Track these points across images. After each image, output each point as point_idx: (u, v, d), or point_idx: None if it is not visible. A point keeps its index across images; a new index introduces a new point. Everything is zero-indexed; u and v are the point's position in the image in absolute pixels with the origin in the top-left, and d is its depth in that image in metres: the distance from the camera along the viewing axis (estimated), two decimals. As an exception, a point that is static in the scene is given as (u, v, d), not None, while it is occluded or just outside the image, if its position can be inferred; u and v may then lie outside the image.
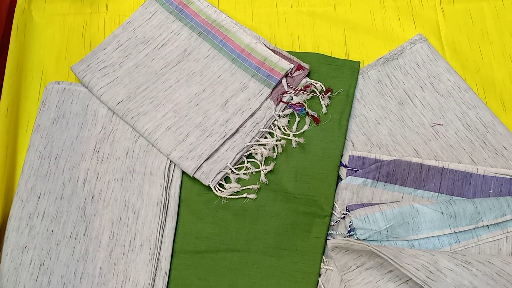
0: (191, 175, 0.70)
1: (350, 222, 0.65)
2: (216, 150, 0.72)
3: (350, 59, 0.79)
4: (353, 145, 0.72)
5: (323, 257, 0.66)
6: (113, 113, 0.76)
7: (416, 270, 0.56)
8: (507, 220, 0.62)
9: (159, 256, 0.68)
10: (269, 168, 0.71)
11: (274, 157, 0.72)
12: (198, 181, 0.71)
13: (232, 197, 0.70)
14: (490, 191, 0.66)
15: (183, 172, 0.72)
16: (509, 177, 0.66)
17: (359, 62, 0.77)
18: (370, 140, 0.72)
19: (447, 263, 0.57)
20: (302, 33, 0.82)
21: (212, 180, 0.70)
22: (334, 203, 0.68)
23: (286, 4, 0.85)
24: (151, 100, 0.75)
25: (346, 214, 0.66)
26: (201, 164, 0.71)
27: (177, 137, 0.73)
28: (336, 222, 0.67)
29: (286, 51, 0.79)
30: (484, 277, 0.56)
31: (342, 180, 0.70)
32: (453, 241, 0.63)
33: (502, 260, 0.57)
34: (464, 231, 0.63)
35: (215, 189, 0.70)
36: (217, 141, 0.72)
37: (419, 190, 0.68)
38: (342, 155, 0.72)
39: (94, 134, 0.75)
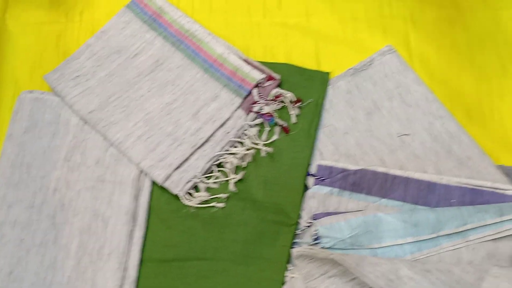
0: (161, 184, 0.71)
1: (315, 231, 0.66)
2: (186, 159, 0.73)
3: (321, 69, 0.80)
4: (321, 155, 0.73)
5: (289, 265, 0.67)
6: (85, 122, 0.76)
7: (376, 278, 0.57)
8: (468, 229, 0.63)
9: (127, 264, 0.68)
10: (238, 177, 0.72)
11: (244, 166, 0.73)
12: (167, 190, 0.71)
13: (201, 205, 0.71)
14: (453, 201, 0.67)
15: (153, 181, 0.72)
16: (472, 186, 0.67)
17: (329, 73, 0.78)
18: (338, 149, 0.73)
19: (407, 271, 0.58)
20: (274, 43, 0.84)
21: (181, 189, 0.71)
22: (301, 211, 0.69)
23: (259, 15, 0.86)
24: (123, 109, 0.76)
25: (312, 222, 0.67)
26: (171, 173, 0.71)
27: (147, 146, 0.73)
28: (302, 230, 0.68)
29: (258, 62, 0.80)
30: (443, 286, 0.57)
31: (309, 189, 0.70)
32: (415, 249, 0.64)
33: (462, 269, 0.58)
34: (426, 239, 0.64)
35: (183, 198, 0.70)
36: (187, 150, 0.73)
37: (384, 199, 0.69)
38: (310, 164, 0.72)
39: (65, 143, 0.75)
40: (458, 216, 0.63)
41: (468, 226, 0.63)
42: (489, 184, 0.67)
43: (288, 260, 0.68)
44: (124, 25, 0.84)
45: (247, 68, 0.78)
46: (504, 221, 0.63)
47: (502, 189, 0.67)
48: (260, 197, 0.71)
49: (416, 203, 0.68)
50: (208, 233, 0.70)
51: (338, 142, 0.74)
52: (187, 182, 0.71)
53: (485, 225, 0.63)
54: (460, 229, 0.63)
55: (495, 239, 0.63)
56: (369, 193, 0.70)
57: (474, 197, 0.67)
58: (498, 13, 0.84)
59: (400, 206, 0.69)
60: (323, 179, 0.71)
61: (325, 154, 0.73)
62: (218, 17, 0.87)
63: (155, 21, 0.84)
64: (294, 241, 0.69)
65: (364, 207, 0.69)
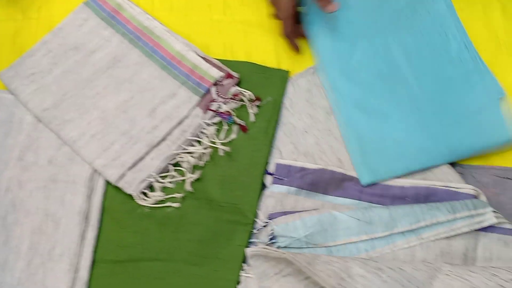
0: (114, 184, 0.69)
1: (271, 230, 0.65)
2: (141, 158, 0.71)
3: (281, 68, 0.79)
4: (280, 153, 0.72)
5: (244, 265, 0.66)
6: (39, 121, 0.74)
7: (327, 277, 0.56)
8: (421, 227, 0.62)
9: (79, 265, 0.66)
10: (195, 176, 0.71)
11: (201, 165, 0.72)
12: (122, 189, 0.70)
13: (156, 205, 0.69)
14: (408, 199, 0.66)
15: (108, 181, 0.71)
16: (425, 185, 0.67)
17: (289, 72, 0.77)
18: (297, 148, 0.72)
19: (359, 270, 0.57)
20: (235, 41, 0.83)
21: (135, 189, 0.69)
22: (258, 211, 0.68)
23: (220, 13, 0.85)
24: (78, 107, 0.74)
25: (268, 222, 0.66)
26: (125, 173, 0.70)
27: (101, 145, 0.72)
28: (259, 230, 0.67)
29: (218, 60, 0.78)
30: (394, 284, 0.56)
31: (267, 188, 0.69)
32: (369, 247, 0.63)
33: (413, 266, 0.58)
34: (380, 237, 0.63)
35: (137, 198, 0.69)
36: (142, 149, 0.71)
37: (340, 198, 0.68)
38: (268, 163, 0.71)
39: (18, 142, 0.73)
40: (411, 214, 0.63)
41: (421, 224, 0.63)
42: (442, 182, 0.67)
43: (244, 260, 0.66)
44: (81, 22, 0.83)
45: (205, 66, 0.77)
46: (456, 219, 0.63)
47: (455, 188, 0.66)
48: (217, 197, 0.70)
49: (371, 203, 0.68)
50: (163, 233, 0.68)
51: (297, 141, 0.73)
52: (142, 182, 0.70)
53: (438, 223, 0.63)
54: (413, 227, 0.63)
55: (448, 237, 0.63)
56: (325, 192, 0.69)
57: (428, 195, 0.67)
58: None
59: (356, 204, 0.68)
60: (281, 178, 0.70)
61: (284, 153, 0.73)
62: (178, 14, 0.86)
63: (113, 18, 0.82)
64: (250, 240, 0.67)
65: (320, 206, 0.68)
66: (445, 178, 0.68)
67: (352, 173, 0.69)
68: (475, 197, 0.66)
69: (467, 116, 0.72)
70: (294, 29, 0.78)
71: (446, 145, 0.69)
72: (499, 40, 0.79)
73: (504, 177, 0.69)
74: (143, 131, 0.73)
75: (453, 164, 0.71)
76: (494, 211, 0.64)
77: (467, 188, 0.66)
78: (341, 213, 0.64)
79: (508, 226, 0.63)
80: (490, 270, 0.57)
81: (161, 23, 0.82)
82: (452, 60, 0.76)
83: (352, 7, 0.80)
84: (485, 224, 0.63)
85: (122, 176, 0.70)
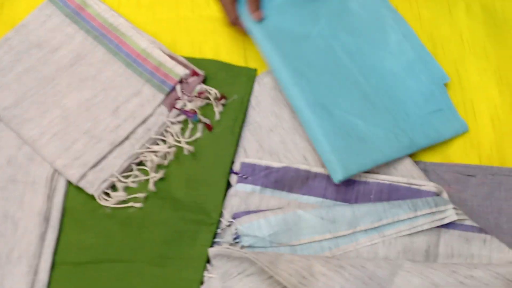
0: (75, 184, 0.68)
1: (235, 229, 0.64)
2: (104, 157, 0.70)
3: (248, 66, 0.79)
4: (245, 152, 0.71)
5: (207, 265, 0.65)
6: (-1, 120, 0.72)
7: (289, 276, 0.56)
8: (384, 225, 0.62)
9: (38, 267, 0.65)
10: (159, 175, 0.70)
11: (165, 164, 0.71)
12: (84, 190, 0.68)
13: (118, 206, 0.68)
14: (372, 196, 0.67)
15: (69, 181, 0.69)
16: (389, 182, 0.67)
17: (256, 70, 0.77)
18: (262, 147, 0.71)
19: (320, 268, 0.57)
20: (202, 39, 0.82)
21: (97, 189, 0.68)
22: (223, 210, 0.67)
23: (187, 9, 0.84)
24: (39, 105, 0.73)
25: (232, 221, 0.65)
26: (86, 172, 0.69)
27: (63, 144, 0.70)
28: (223, 229, 0.66)
29: (183, 57, 0.77)
30: (356, 281, 0.56)
31: (232, 187, 0.69)
32: (333, 245, 0.63)
33: (375, 264, 0.58)
34: (343, 235, 0.63)
35: (99, 198, 0.68)
36: (104, 148, 0.70)
37: (305, 196, 0.68)
38: (233, 162, 0.71)
39: (-23, 142, 0.71)
40: (373, 212, 0.63)
41: (383, 222, 0.63)
42: (405, 180, 0.67)
43: (208, 260, 0.66)
44: (45, 18, 0.81)
45: (171, 64, 0.76)
46: (418, 216, 0.63)
47: (417, 185, 0.67)
48: (181, 196, 0.69)
49: (336, 200, 0.68)
50: (125, 234, 0.67)
51: (262, 140, 0.72)
52: (104, 182, 0.69)
53: (400, 220, 0.63)
54: (375, 225, 0.63)
55: (410, 234, 0.63)
56: (290, 190, 0.69)
57: (391, 192, 0.67)
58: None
59: (320, 202, 0.68)
60: (246, 177, 0.69)
61: (249, 151, 0.72)
62: (145, 11, 0.85)
63: (77, 15, 0.81)
64: (215, 240, 0.66)
65: (285, 204, 0.68)
66: (409, 175, 0.68)
67: (316, 170, 0.69)
68: (437, 194, 0.67)
69: (417, 106, 0.73)
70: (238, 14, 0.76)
71: (405, 136, 0.69)
72: (463, 40, 0.80)
73: (466, 174, 0.70)
74: (106, 130, 0.71)
75: (416, 161, 0.71)
76: (455, 208, 0.64)
77: (429, 186, 0.66)
78: (305, 212, 0.64)
79: (468, 223, 0.64)
80: (451, 267, 0.57)
81: (127, 20, 0.80)
82: (393, 52, 0.76)
83: (288, 12, 0.79)
84: (446, 221, 0.63)
85: (83, 176, 0.68)
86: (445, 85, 0.76)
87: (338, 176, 0.66)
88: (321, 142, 0.68)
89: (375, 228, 0.63)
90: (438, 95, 0.74)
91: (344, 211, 0.64)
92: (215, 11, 0.84)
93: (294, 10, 0.80)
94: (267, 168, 0.70)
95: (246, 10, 0.77)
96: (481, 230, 0.63)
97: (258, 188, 0.68)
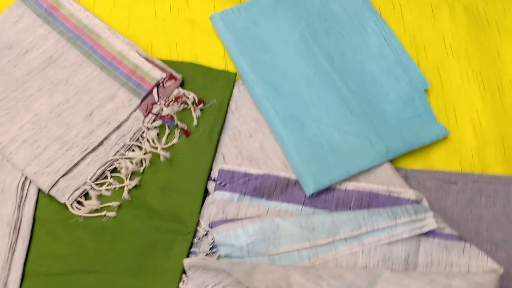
0: (46, 192, 0.65)
1: (212, 239, 0.62)
2: (76, 164, 0.68)
3: (228, 70, 0.77)
4: (223, 159, 0.69)
5: (183, 275, 0.63)
6: (-33, 125, 0.69)
7: (266, 287, 0.54)
8: (363, 233, 0.61)
9: (7, 279, 0.62)
10: (133, 183, 0.67)
11: (141, 171, 0.68)
12: (55, 198, 0.66)
13: (90, 215, 0.66)
14: (351, 204, 0.65)
15: (40, 189, 0.67)
16: (369, 190, 0.65)
17: (236, 74, 0.75)
18: (242, 153, 0.69)
19: (298, 278, 0.55)
20: (180, 41, 0.79)
21: (69, 198, 0.66)
22: (200, 219, 0.65)
23: (165, 10, 0.82)
24: (8, 110, 0.70)
25: (209, 230, 0.63)
26: (58, 180, 0.66)
27: (33, 150, 0.67)
28: (200, 239, 0.64)
29: (161, 60, 0.75)
30: (334, 292, 0.55)
31: (210, 194, 0.67)
32: (312, 254, 0.61)
33: (354, 274, 0.56)
34: (322, 244, 0.61)
35: (71, 207, 0.65)
36: (77, 155, 0.68)
37: (285, 204, 0.66)
38: (211, 168, 0.69)
39: None
40: (353, 219, 0.62)
41: (363, 230, 0.62)
42: (385, 187, 0.66)
43: (184, 271, 0.63)
44: (16, 18, 0.78)
45: (147, 67, 0.73)
46: (397, 224, 0.62)
47: (397, 192, 0.65)
48: (156, 205, 0.67)
49: (315, 207, 0.66)
50: (98, 244, 0.65)
51: (241, 146, 0.71)
52: (76, 190, 0.66)
53: (380, 228, 0.62)
54: (355, 233, 0.62)
55: (390, 242, 0.62)
56: (269, 198, 0.67)
57: (371, 200, 0.66)
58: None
59: (300, 210, 0.66)
60: (224, 184, 0.67)
61: (228, 157, 0.70)
62: (121, 11, 0.82)
63: (50, 15, 0.78)
64: (191, 250, 0.64)
65: (264, 212, 0.66)
66: (389, 182, 0.67)
67: (296, 177, 0.67)
68: (417, 202, 0.65)
69: (396, 112, 0.71)
70: None
71: (381, 143, 0.68)
72: (446, 43, 0.79)
73: (447, 181, 0.69)
74: (78, 136, 0.69)
75: (397, 168, 0.70)
76: (435, 216, 0.63)
77: (409, 193, 0.65)
78: (283, 220, 0.62)
79: (448, 231, 0.63)
80: (429, 276, 0.56)
81: (102, 21, 0.78)
82: (374, 56, 0.75)
83: (266, 17, 0.78)
84: (426, 229, 0.62)
85: (55, 183, 0.66)
86: (428, 89, 0.75)
87: (309, 189, 0.65)
88: (293, 155, 0.67)
89: (355, 236, 0.62)
90: (418, 101, 0.73)
91: (324, 219, 0.62)
92: (194, 12, 0.82)
93: (274, 14, 0.78)
94: (246, 175, 0.68)
95: (220, 23, 0.75)
96: (460, 238, 0.62)
97: (236, 195, 0.67)
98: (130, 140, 0.70)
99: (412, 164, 0.71)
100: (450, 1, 0.81)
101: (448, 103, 0.75)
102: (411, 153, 0.71)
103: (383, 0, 0.82)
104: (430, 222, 0.63)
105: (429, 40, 0.79)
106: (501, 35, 0.79)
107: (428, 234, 0.63)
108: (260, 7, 0.79)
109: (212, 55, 0.79)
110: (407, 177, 0.69)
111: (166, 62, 0.76)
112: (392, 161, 0.70)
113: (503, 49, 0.78)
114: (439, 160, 0.71)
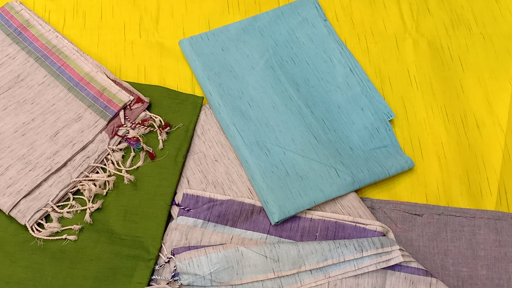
0: (7, 213, 0.64)
1: (174, 266, 0.62)
2: (38, 185, 0.66)
3: (195, 93, 0.77)
4: (188, 183, 0.69)
5: (143, 304, 0.62)
6: None
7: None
8: (329, 265, 0.61)
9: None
10: (96, 206, 0.66)
11: (104, 194, 0.68)
12: (16, 219, 0.64)
13: (51, 238, 0.64)
14: (317, 234, 0.65)
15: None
16: (335, 220, 0.66)
17: (202, 98, 0.75)
18: (207, 177, 0.69)
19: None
20: (148, 64, 0.80)
21: (30, 219, 0.64)
22: (162, 245, 0.65)
23: (135, 33, 0.82)
24: (-29, 129, 0.69)
25: (172, 257, 0.62)
26: (19, 201, 0.65)
27: (-5, 170, 0.66)
28: (161, 266, 0.63)
29: (129, 82, 0.75)
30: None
31: (173, 219, 0.66)
32: (276, 286, 0.61)
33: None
34: (287, 275, 0.61)
35: (32, 229, 0.64)
36: (40, 175, 0.67)
37: (249, 231, 0.66)
38: (176, 193, 0.68)
39: None
40: (319, 251, 0.62)
41: (329, 262, 0.61)
42: (351, 218, 0.66)
43: (144, 298, 0.62)
44: (-16, 37, 0.77)
45: (115, 89, 0.73)
46: (364, 257, 0.62)
47: (363, 224, 0.66)
48: (118, 229, 0.66)
49: (280, 236, 0.66)
50: (57, 268, 0.63)
51: (207, 170, 0.70)
52: (37, 211, 0.65)
53: (346, 260, 0.62)
54: (321, 265, 0.61)
55: (356, 275, 0.62)
56: (234, 225, 0.67)
57: (337, 230, 0.66)
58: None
59: (264, 238, 0.66)
60: (188, 209, 0.67)
61: (192, 182, 0.70)
62: (91, 33, 0.82)
63: (20, 35, 0.78)
64: (152, 277, 0.63)
65: (228, 240, 0.65)
66: (355, 213, 0.67)
67: (261, 204, 0.67)
68: (383, 234, 0.66)
69: (362, 142, 0.72)
70: None
71: (347, 173, 0.68)
72: (410, 76, 0.81)
73: (412, 213, 0.69)
74: (42, 156, 0.68)
75: (364, 198, 0.70)
76: (401, 249, 0.63)
77: (375, 225, 0.65)
78: (248, 249, 0.62)
79: (414, 265, 0.63)
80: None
81: (71, 42, 0.78)
82: (339, 85, 0.76)
83: (234, 44, 0.79)
84: (392, 262, 0.62)
85: (16, 204, 0.65)
86: (393, 120, 0.76)
87: (274, 217, 0.65)
88: (258, 182, 0.67)
89: (320, 268, 0.61)
90: (383, 131, 0.74)
91: (289, 249, 0.62)
92: (163, 37, 0.82)
93: (242, 42, 0.79)
94: (211, 200, 0.68)
95: (188, 48, 0.77)
96: (427, 273, 0.63)
97: (200, 221, 0.66)
98: (94, 162, 0.69)
99: (378, 195, 0.71)
100: (414, 36, 0.84)
101: (413, 134, 0.76)
102: (377, 183, 0.72)
103: (349, 32, 0.83)
104: (396, 255, 0.63)
105: (394, 72, 0.81)
106: (465, 70, 0.81)
107: (394, 267, 0.63)
108: (229, 34, 0.80)
109: (180, 79, 0.79)
110: (373, 208, 0.69)
111: (134, 84, 0.76)
112: (358, 191, 0.71)
113: (467, 84, 0.80)
114: (405, 192, 0.72)
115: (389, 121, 0.74)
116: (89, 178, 0.68)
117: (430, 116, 0.77)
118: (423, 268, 0.63)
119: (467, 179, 0.72)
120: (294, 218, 0.67)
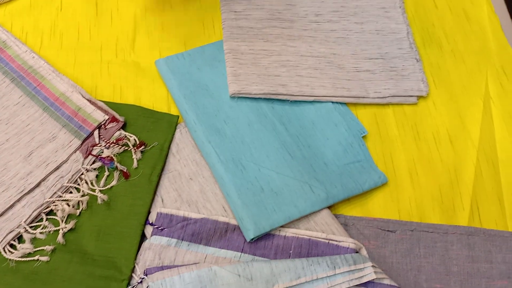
0: (-22, 235, 0.64)
1: (147, 287, 0.61)
2: (11, 206, 0.66)
3: (171, 113, 0.77)
4: (162, 202, 0.69)
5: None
6: None
7: None
8: (302, 283, 0.61)
9: None
10: (69, 226, 0.66)
11: (78, 214, 0.67)
12: (-14, 241, 0.64)
13: (23, 259, 0.64)
14: (291, 251, 0.65)
15: (-30, 231, 0.65)
16: (308, 237, 0.66)
17: (178, 116, 0.76)
18: (181, 196, 0.69)
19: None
20: (124, 84, 0.80)
21: (2, 241, 0.64)
22: (135, 265, 0.64)
23: (111, 54, 0.83)
24: None
25: (144, 277, 0.62)
26: (-9, 222, 0.64)
27: (-34, 191, 0.66)
28: (134, 286, 0.63)
29: (104, 102, 0.75)
30: None
31: (147, 239, 0.66)
32: (249, 304, 0.61)
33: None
34: (260, 295, 0.61)
35: (4, 250, 0.64)
36: (13, 196, 0.66)
37: (223, 250, 0.66)
38: (150, 212, 0.68)
39: None
40: (292, 268, 0.62)
41: (302, 280, 0.62)
42: (324, 235, 0.66)
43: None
44: (-41, 58, 0.77)
45: (90, 109, 0.74)
46: (336, 274, 0.62)
47: (337, 241, 0.66)
48: (91, 249, 0.66)
49: (254, 254, 0.66)
50: (28, 290, 0.63)
51: (181, 188, 0.71)
52: (9, 233, 0.65)
53: (319, 278, 0.62)
54: (294, 283, 0.61)
55: (329, 292, 0.62)
56: (207, 243, 0.67)
57: (310, 248, 0.66)
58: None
59: (238, 257, 0.66)
60: (162, 229, 0.67)
61: (167, 201, 0.70)
62: (67, 54, 0.83)
63: (-5, 55, 0.78)
64: (125, 298, 0.63)
65: (202, 259, 0.65)
66: (328, 230, 0.67)
67: (235, 222, 0.68)
68: (356, 251, 0.66)
69: (335, 157, 0.73)
70: None
71: (321, 188, 0.69)
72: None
73: (385, 230, 0.69)
74: (16, 177, 0.68)
75: (337, 215, 0.71)
76: (374, 266, 0.63)
77: (348, 242, 0.66)
78: (221, 268, 0.62)
79: (387, 282, 0.63)
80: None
81: (47, 63, 0.78)
82: (312, 102, 0.77)
83: (210, 64, 0.81)
84: (365, 279, 0.62)
85: (-13, 226, 0.64)
86: (366, 136, 0.77)
87: (249, 234, 0.65)
88: (233, 199, 0.68)
89: (293, 286, 0.61)
90: (357, 147, 0.75)
91: (262, 267, 0.62)
92: (139, 57, 0.83)
93: (218, 61, 0.80)
94: (185, 219, 0.68)
95: (164, 67, 0.78)
96: (399, 290, 0.63)
97: (174, 241, 0.66)
98: (68, 182, 0.69)
99: (351, 211, 0.72)
100: (384, 52, 0.85)
101: (385, 151, 0.77)
102: (350, 200, 0.72)
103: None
104: (369, 272, 0.63)
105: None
106: (437, 87, 0.82)
107: (367, 284, 0.63)
108: (204, 54, 0.81)
109: (155, 98, 0.80)
110: (347, 224, 0.69)
111: (109, 104, 0.76)
112: (331, 207, 0.71)
113: (439, 101, 0.81)
114: (377, 208, 0.72)
115: (362, 137, 0.75)
116: (62, 198, 0.68)
117: (402, 133, 0.78)
118: (396, 285, 0.63)
119: (440, 195, 0.73)
120: (268, 235, 0.67)
